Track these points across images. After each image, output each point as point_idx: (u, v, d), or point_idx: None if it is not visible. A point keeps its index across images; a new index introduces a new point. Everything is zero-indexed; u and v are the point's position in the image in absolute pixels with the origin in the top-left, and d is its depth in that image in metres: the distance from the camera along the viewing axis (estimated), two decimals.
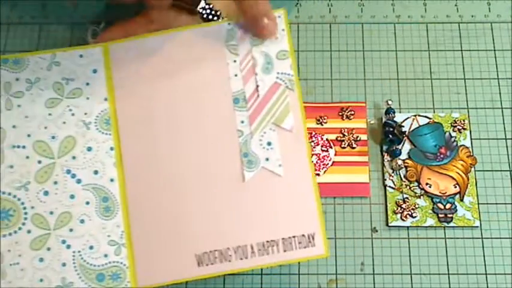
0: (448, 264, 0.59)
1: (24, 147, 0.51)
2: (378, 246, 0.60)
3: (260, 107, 0.51)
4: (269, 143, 0.51)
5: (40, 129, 0.52)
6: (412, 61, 0.67)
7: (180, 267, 0.50)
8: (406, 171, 0.62)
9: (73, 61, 0.53)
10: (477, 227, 0.60)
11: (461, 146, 0.63)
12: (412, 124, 0.64)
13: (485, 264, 0.59)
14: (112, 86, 0.53)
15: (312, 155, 0.62)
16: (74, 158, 0.51)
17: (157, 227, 0.50)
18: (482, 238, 0.60)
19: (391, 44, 0.68)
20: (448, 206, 0.60)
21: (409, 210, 0.60)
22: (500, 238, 0.60)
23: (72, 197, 0.51)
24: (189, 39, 0.53)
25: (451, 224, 0.60)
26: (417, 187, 0.61)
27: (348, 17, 0.69)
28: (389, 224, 0.60)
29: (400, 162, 0.62)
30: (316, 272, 0.59)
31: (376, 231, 0.60)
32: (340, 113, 0.64)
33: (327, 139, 0.64)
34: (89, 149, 0.52)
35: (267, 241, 0.49)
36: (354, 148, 0.63)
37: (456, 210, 0.60)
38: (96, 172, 0.51)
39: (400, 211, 0.60)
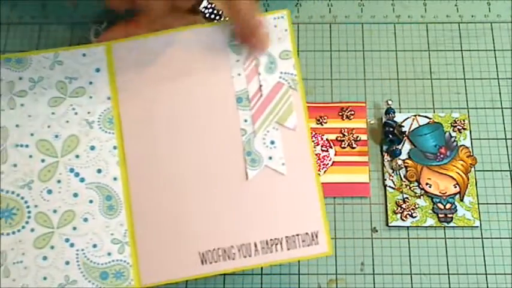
0: (448, 264, 0.59)
1: (27, 146, 0.51)
2: (378, 246, 0.60)
3: (263, 106, 0.51)
4: (272, 142, 0.51)
5: (43, 128, 0.52)
6: (412, 61, 0.67)
7: (184, 266, 0.49)
8: (406, 171, 0.62)
9: (76, 60, 0.53)
10: (477, 227, 0.60)
11: (461, 146, 0.63)
12: (412, 124, 0.64)
13: (485, 264, 0.59)
14: (115, 85, 0.53)
15: None
16: (77, 156, 0.51)
17: (161, 225, 0.50)
18: (482, 238, 0.60)
19: (391, 44, 0.68)
20: (448, 206, 0.60)
21: (409, 210, 0.60)
22: (500, 238, 0.60)
23: (75, 195, 0.51)
24: (191, 38, 0.53)
25: (451, 224, 0.60)
26: (417, 187, 0.61)
27: (348, 17, 0.70)
28: (389, 224, 0.60)
29: (400, 162, 0.62)
30: (316, 272, 0.59)
31: (376, 231, 0.60)
32: (340, 113, 0.65)
33: (327, 139, 0.64)
34: (92, 147, 0.52)
35: (271, 239, 0.49)
36: (354, 148, 0.63)
37: (456, 210, 0.60)
38: (99, 171, 0.51)
39: (400, 211, 0.60)
